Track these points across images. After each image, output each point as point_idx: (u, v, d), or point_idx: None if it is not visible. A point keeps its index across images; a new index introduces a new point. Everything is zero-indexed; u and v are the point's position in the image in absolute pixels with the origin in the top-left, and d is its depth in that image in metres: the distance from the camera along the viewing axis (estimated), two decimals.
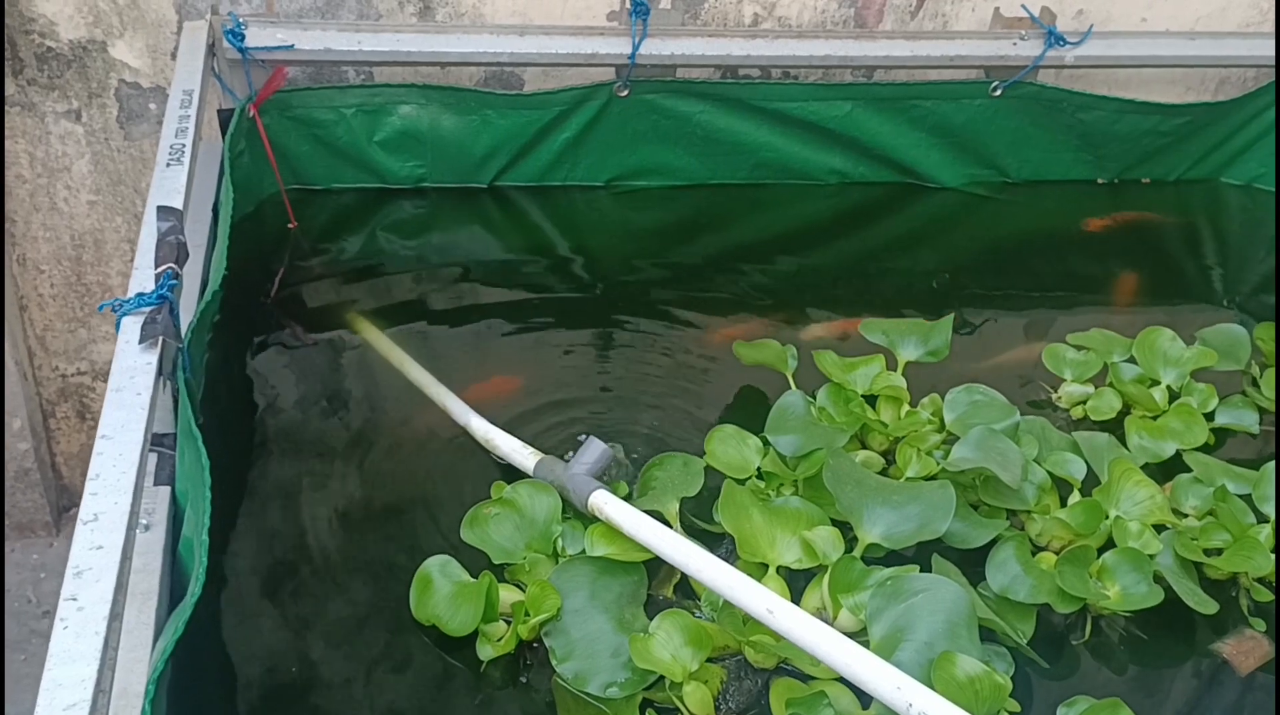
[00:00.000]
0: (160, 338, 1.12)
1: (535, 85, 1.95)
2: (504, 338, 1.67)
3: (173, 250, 1.21)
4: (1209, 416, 1.53)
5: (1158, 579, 1.26)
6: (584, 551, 1.21)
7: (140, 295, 1.16)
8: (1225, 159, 2.20)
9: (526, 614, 1.15)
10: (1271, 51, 2.08)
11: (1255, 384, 1.60)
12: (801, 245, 1.98)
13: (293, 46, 1.69)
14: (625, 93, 1.86)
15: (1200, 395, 1.54)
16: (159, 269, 1.19)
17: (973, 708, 1.05)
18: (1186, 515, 1.38)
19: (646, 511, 1.23)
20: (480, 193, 1.95)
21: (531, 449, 1.36)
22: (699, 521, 1.32)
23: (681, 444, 1.44)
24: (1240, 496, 1.37)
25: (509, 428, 1.44)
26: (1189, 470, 1.42)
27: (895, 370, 1.53)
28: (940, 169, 2.08)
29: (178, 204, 1.30)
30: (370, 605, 1.24)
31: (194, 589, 1.00)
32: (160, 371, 1.14)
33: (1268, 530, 1.32)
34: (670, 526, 1.26)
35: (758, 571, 1.23)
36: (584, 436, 1.33)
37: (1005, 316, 1.84)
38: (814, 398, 1.47)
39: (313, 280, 1.75)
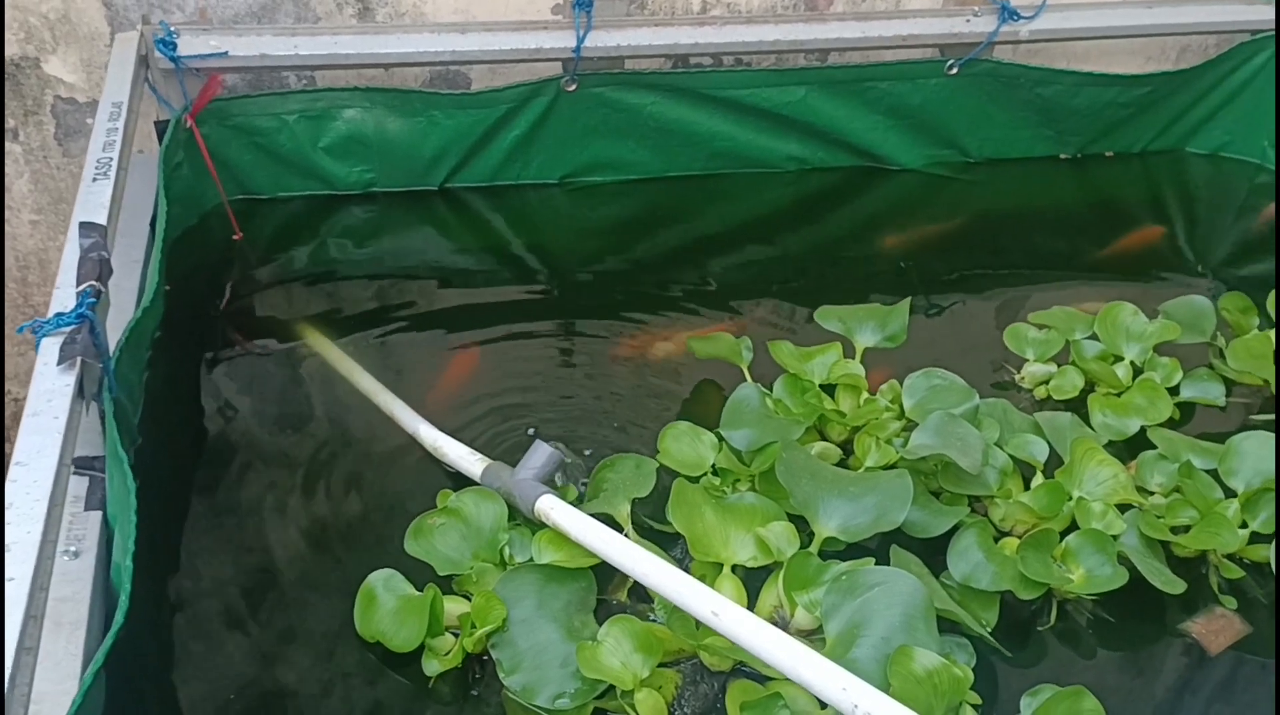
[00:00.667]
0: (79, 358, 1.09)
1: (482, 84, 1.91)
2: (461, 341, 1.64)
3: (95, 267, 1.18)
4: (1173, 391, 1.50)
5: (1123, 560, 1.23)
6: (531, 559, 1.18)
7: (59, 315, 1.12)
8: (1189, 128, 2.17)
9: (472, 626, 1.11)
10: (1234, 16, 2.05)
11: (1221, 356, 1.57)
12: (762, 233, 1.95)
13: (226, 53, 1.65)
14: (573, 87, 1.82)
15: (1164, 370, 1.51)
16: (80, 287, 1.15)
17: (932, 702, 1.02)
18: (1152, 493, 1.35)
19: (597, 514, 1.20)
20: (431, 195, 1.91)
21: (479, 455, 1.32)
22: (653, 523, 1.29)
23: (640, 442, 1.41)
24: (1207, 471, 1.34)
25: (467, 428, 1.41)
26: (1154, 447, 1.39)
27: (853, 357, 1.49)
28: (899, 151, 2.04)
29: (101, 219, 1.27)
30: (316, 622, 1.20)
31: (118, 618, 0.97)
32: (82, 393, 1.10)
33: (1235, 506, 1.29)
34: (621, 529, 1.23)
35: (712, 571, 1.19)
36: (531, 431, 1.29)
37: (973, 298, 1.81)
38: (770, 390, 1.44)
39: (261, 291, 1.72)
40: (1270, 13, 2.03)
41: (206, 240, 1.78)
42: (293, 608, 1.23)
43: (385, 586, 1.17)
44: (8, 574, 0.88)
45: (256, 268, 1.76)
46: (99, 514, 1.14)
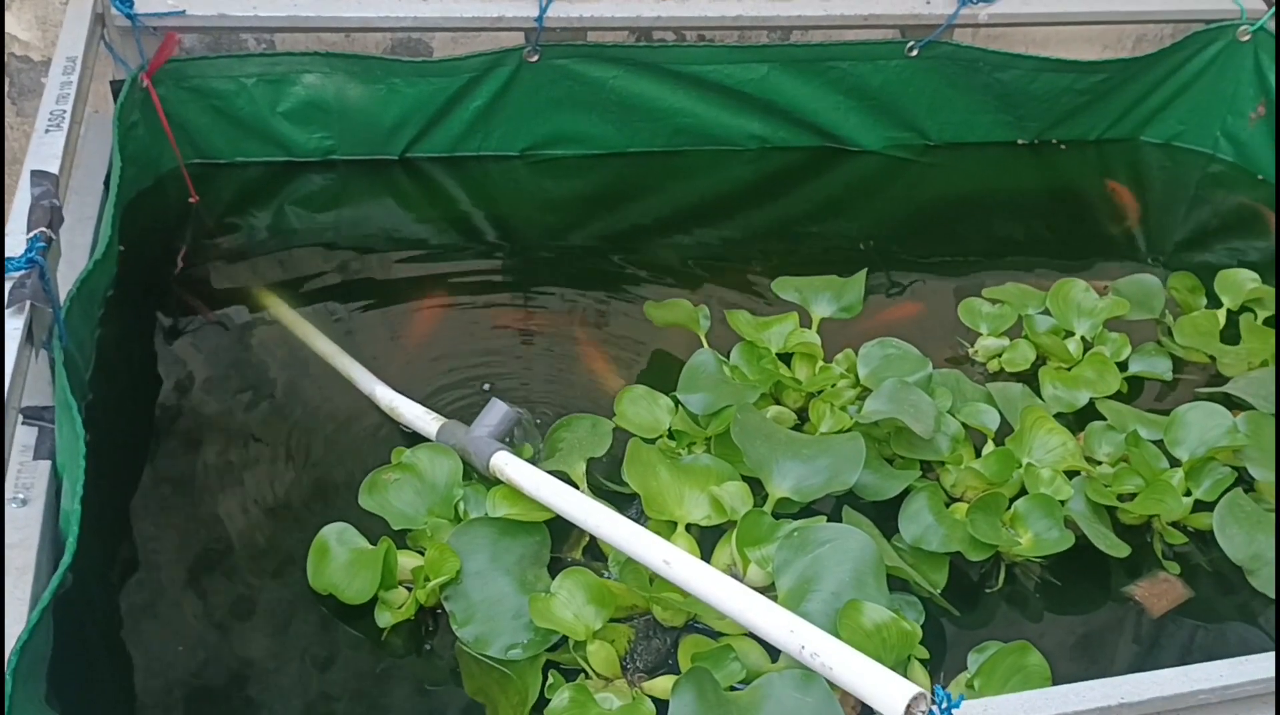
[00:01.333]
0: (28, 303, 1.07)
1: (444, 53, 1.90)
2: (420, 311, 1.63)
3: (45, 214, 1.16)
4: (1122, 366, 1.52)
5: (1069, 524, 1.25)
6: (486, 514, 1.18)
7: (8, 259, 1.11)
8: (1144, 117, 2.20)
9: (426, 578, 1.11)
10: (1190, 5, 2.09)
11: (1169, 332, 1.60)
12: (722, 212, 1.95)
13: (184, 12, 1.63)
14: (535, 58, 1.82)
15: (1113, 344, 1.54)
16: (30, 233, 1.14)
17: (880, 655, 1.03)
18: (1100, 462, 1.37)
19: (553, 472, 1.20)
20: (391, 164, 1.90)
21: (435, 414, 1.32)
22: (609, 484, 1.29)
23: (596, 408, 1.41)
24: (1153, 442, 1.36)
25: (429, 400, 1.40)
26: (1102, 418, 1.41)
27: (810, 327, 1.51)
28: (860, 132, 2.06)
29: (53, 169, 1.25)
30: (269, 578, 1.20)
31: (65, 559, 0.96)
32: (31, 339, 1.09)
33: (1180, 474, 1.32)
34: (576, 487, 1.23)
35: (666, 530, 1.20)
36: (487, 386, 1.29)
37: (932, 278, 1.82)
38: (727, 357, 1.44)
39: (218, 257, 1.70)
40: (1225, 3, 2.07)
41: (162, 203, 1.76)
42: (245, 564, 1.22)
43: (338, 540, 1.17)
44: None
45: (213, 232, 1.74)
46: (48, 464, 1.13)
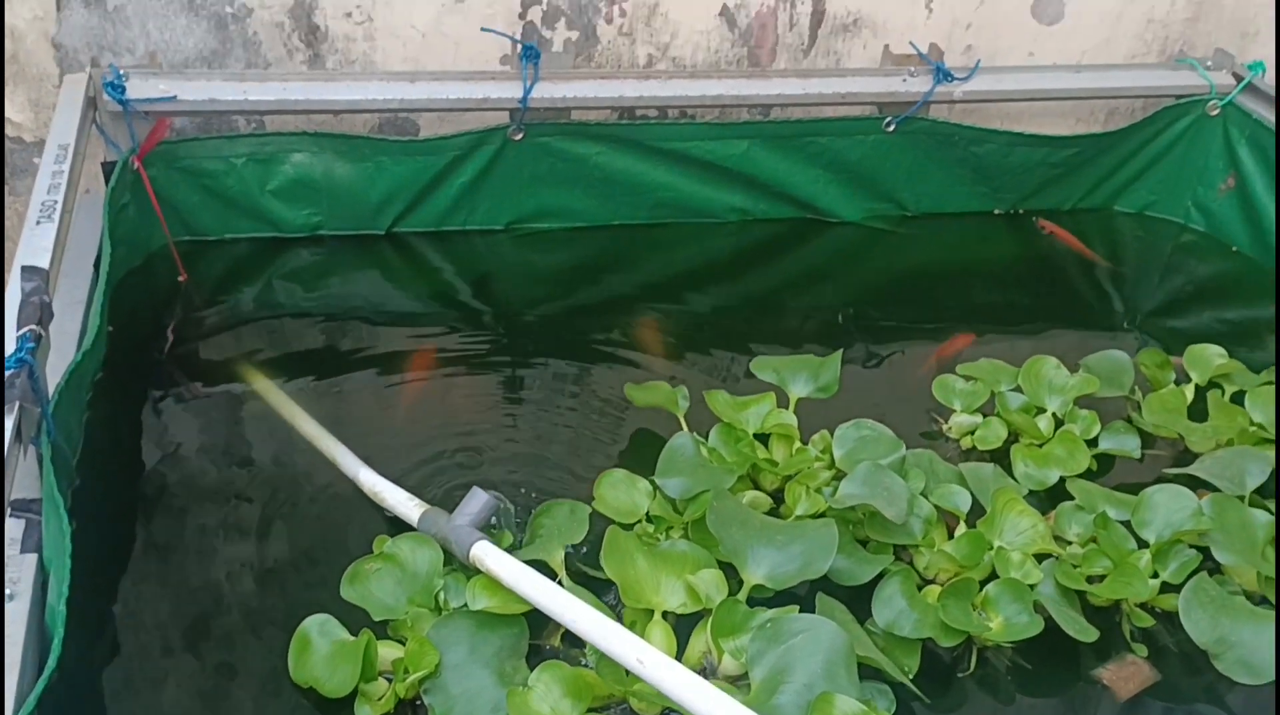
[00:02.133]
0: (18, 403, 1.10)
1: (431, 130, 1.95)
2: (407, 384, 1.66)
3: (35, 311, 1.19)
4: (1092, 443, 1.55)
5: (1039, 608, 1.27)
6: (465, 605, 1.20)
7: None
8: (1117, 188, 2.25)
9: (405, 671, 1.13)
10: (1159, 81, 2.14)
11: (1138, 409, 1.63)
12: (704, 283, 1.99)
13: (175, 98, 1.67)
14: (520, 136, 1.86)
15: (1083, 422, 1.57)
16: (19, 331, 1.17)
17: None
18: (1070, 542, 1.40)
19: (532, 561, 1.22)
20: (378, 239, 1.94)
21: (418, 501, 1.34)
22: (588, 569, 1.32)
23: (580, 486, 1.43)
24: (1121, 522, 1.39)
25: (415, 471, 1.43)
26: (1072, 497, 1.44)
27: (787, 408, 1.53)
28: (839, 204, 2.10)
29: (44, 263, 1.28)
30: (251, 665, 1.21)
31: (50, 663, 0.98)
32: (20, 437, 1.11)
33: (1147, 556, 1.34)
34: (555, 575, 1.25)
35: (643, 618, 1.22)
36: (462, 461, 1.32)
37: (911, 347, 1.86)
38: (705, 438, 1.47)
39: (206, 333, 1.73)
40: (1195, 79, 2.12)
41: (151, 281, 1.79)
42: (228, 651, 1.23)
43: (320, 631, 1.18)
44: None
45: (201, 309, 1.77)
46: (34, 557, 1.14)
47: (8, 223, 1.87)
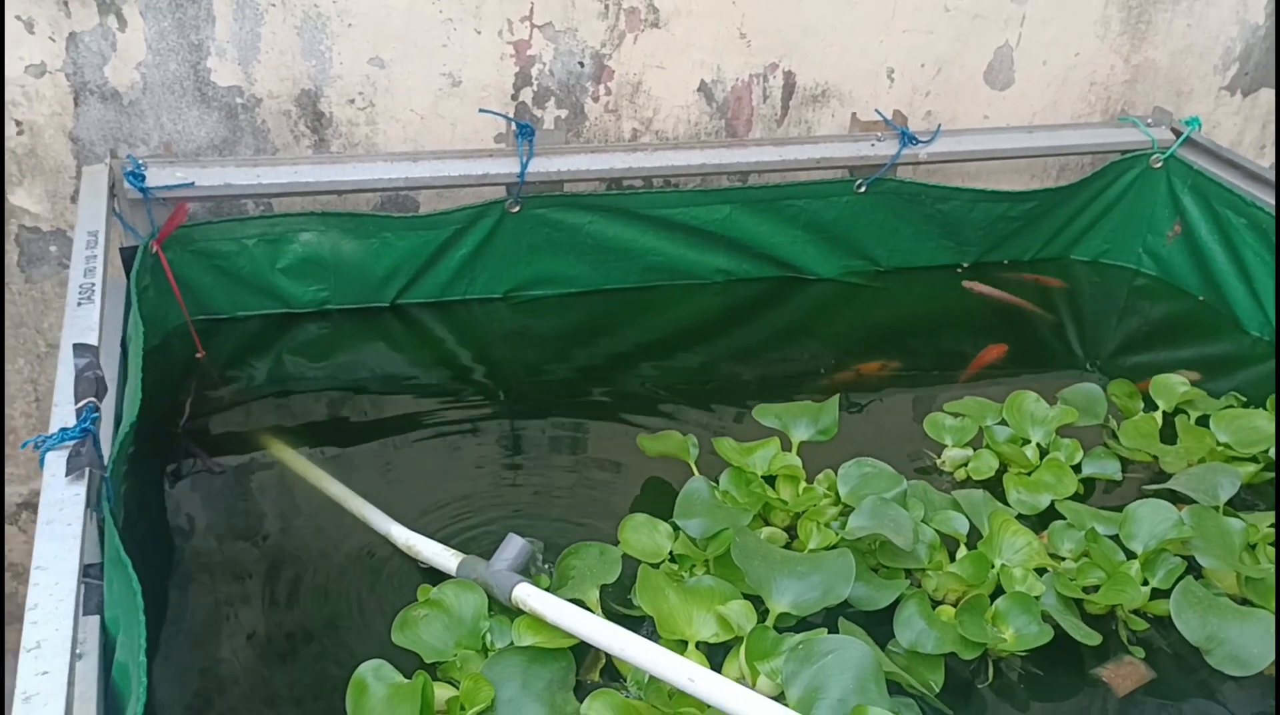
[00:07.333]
0: (86, 469, 1.16)
1: (430, 206, 2.04)
2: (415, 448, 1.73)
3: (91, 385, 1.26)
4: (1076, 468, 1.66)
5: (1045, 618, 1.37)
6: (512, 643, 1.26)
7: (64, 430, 1.20)
8: (1073, 238, 2.39)
9: (462, 708, 1.19)
10: (1106, 139, 2.30)
11: (1114, 436, 1.75)
12: (695, 341, 2.09)
13: (193, 184, 1.75)
14: (517, 209, 1.97)
15: (1067, 450, 1.68)
16: (79, 403, 1.23)
17: None
18: (1064, 558, 1.49)
19: (569, 600, 1.29)
20: (383, 311, 2.02)
21: (452, 551, 1.41)
22: (618, 607, 1.39)
23: (596, 535, 1.50)
24: (1109, 537, 1.49)
25: (428, 534, 1.49)
26: (1062, 517, 1.54)
27: (790, 450, 1.63)
28: (816, 262, 2.22)
29: (92, 341, 1.35)
30: None
31: (137, 709, 1.03)
32: (89, 502, 1.17)
33: (1136, 565, 1.45)
34: (593, 613, 1.32)
35: (678, 648, 1.29)
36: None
37: (890, 393, 1.97)
38: (717, 482, 1.56)
39: (224, 406, 1.79)
40: (1137, 135, 2.28)
41: (169, 358, 1.85)
42: (280, 708, 1.28)
43: (375, 675, 1.23)
44: (42, 668, 0.95)
45: (218, 384, 1.83)
46: (97, 618, 1.19)
47: (24, 309, 1.93)
